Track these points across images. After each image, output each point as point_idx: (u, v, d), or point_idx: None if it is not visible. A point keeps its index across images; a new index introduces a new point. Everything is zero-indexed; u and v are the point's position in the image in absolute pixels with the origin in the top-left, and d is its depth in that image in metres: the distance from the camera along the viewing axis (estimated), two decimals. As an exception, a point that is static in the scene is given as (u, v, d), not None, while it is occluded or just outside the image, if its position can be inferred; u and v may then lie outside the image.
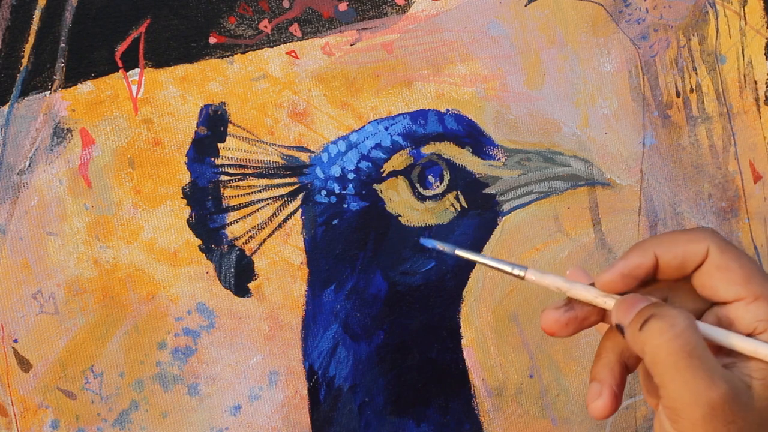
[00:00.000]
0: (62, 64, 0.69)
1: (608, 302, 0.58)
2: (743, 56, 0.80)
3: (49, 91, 0.69)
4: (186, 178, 0.71)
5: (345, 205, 0.74)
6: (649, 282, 0.58)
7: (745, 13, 0.80)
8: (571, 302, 0.59)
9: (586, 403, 0.58)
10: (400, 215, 0.74)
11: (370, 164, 0.74)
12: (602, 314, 0.59)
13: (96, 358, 0.70)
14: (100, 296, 0.70)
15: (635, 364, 0.58)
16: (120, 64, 0.70)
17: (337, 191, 0.73)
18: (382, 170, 0.74)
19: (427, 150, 0.75)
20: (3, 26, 0.68)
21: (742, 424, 0.53)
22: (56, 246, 0.69)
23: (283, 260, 0.73)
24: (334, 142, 0.73)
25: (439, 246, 0.64)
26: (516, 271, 0.60)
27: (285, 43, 0.72)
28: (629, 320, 0.55)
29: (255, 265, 0.72)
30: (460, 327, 0.76)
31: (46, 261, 0.69)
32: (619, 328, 0.56)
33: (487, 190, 0.76)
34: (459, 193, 0.75)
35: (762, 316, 0.55)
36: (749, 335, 0.55)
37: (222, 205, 0.72)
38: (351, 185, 0.74)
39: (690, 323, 0.54)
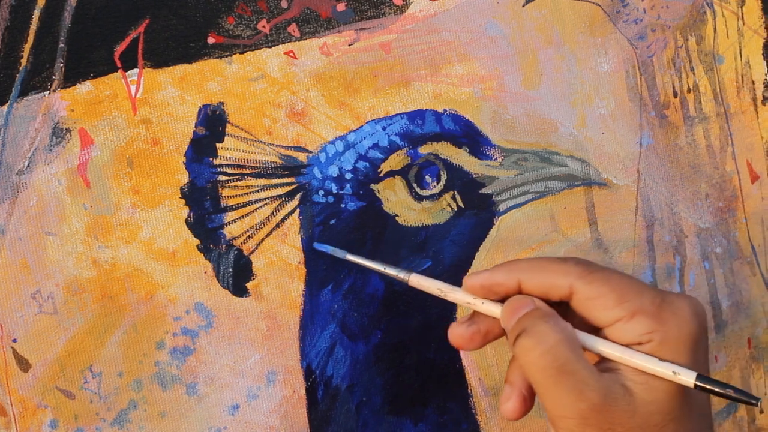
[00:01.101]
0: (61, 64, 0.69)
1: (477, 305, 0.60)
2: (741, 56, 0.80)
3: (48, 91, 0.69)
4: (184, 178, 0.71)
5: (342, 205, 0.74)
6: None
7: (742, 13, 0.80)
8: (474, 317, 0.61)
9: (499, 404, 0.59)
10: (397, 215, 0.74)
11: (367, 164, 0.74)
12: None
13: (95, 357, 0.70)
14: (99, 296, 0.70)
15: None
16: (119, 64, 0.70)
17: (334, 191, 0.73)
18: (379, 170, 0.74)
19: (424, 150, 0.75)
20: (2, 26, 0.68)
21: (622, 429, 0.53)
22: (55, 246, 0.69)
23: (281, 260, 0.73)
24: (332, 142, 0.73)
25: (332, 251, 0.70)
26: (402, 275, 0.65)
27: (283, 43, 0.73)
28: (510, 330, 0.56)
29: (253, 265, 0.72)
30: (457, 326, 0.76)
31: (45, 261, 0.69)
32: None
33: (483, 190, 0.76)
34: (456, 193, 0.75)
35: (642, 330, 0.55)
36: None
37: (220, 205, 0.72)
38: (348, 185, 0.74)
39: (560, 338, 0.54)
